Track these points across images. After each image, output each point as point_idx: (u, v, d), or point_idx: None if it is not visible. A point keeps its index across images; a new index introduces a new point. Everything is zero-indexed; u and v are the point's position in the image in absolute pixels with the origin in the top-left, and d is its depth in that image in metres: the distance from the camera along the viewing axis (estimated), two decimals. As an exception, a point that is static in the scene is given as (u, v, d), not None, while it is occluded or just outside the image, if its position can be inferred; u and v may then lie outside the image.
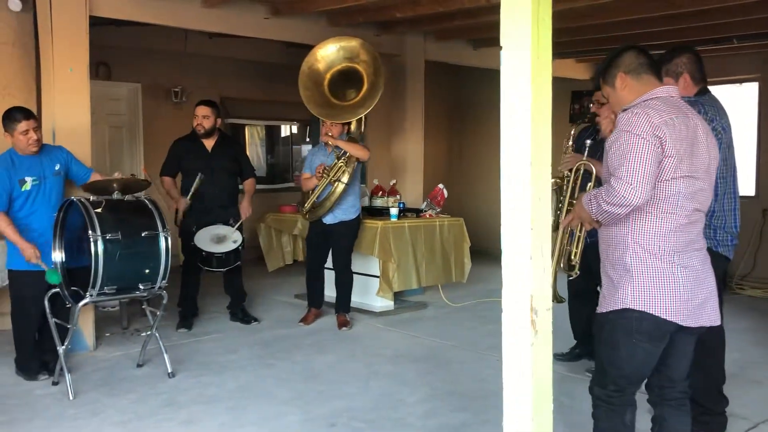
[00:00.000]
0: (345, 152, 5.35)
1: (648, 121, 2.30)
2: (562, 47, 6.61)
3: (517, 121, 1.92)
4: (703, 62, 3.31)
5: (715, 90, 3.41)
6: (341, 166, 5.35)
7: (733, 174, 3.27)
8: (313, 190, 5.49)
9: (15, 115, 4.15)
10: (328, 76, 5.66)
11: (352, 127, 5.59)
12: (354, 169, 5.40)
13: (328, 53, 5.66)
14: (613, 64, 2.52)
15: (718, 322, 2.48)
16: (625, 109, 2.43)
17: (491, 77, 5.54)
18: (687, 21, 6.16)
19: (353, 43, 5.66)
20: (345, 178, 5.35)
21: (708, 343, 3.27)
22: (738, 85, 8.10)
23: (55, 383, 4.16)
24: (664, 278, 2.33)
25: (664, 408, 2.56)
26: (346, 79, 5.66)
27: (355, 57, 5.65)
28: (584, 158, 3.42)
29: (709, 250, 3.17)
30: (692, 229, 2.39)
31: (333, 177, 5.35)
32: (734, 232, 3.25)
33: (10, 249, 4.24)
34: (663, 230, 2.34)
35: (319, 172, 5.38)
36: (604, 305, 2.46)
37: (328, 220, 5.49)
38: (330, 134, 5.40)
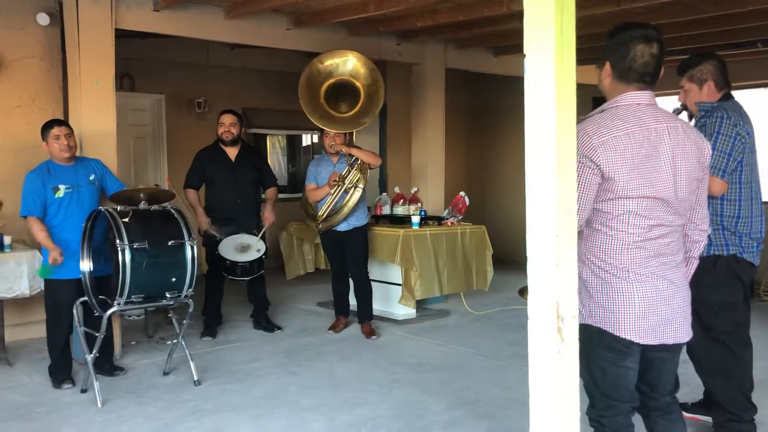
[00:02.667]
0: (356, 159, 5.40)
1: (586, 142, 2.16)
2: (582, 53, 6.58)
3: (542, 127, 1.92)
4: (727, 68, 3.30)
5: (738, 95, 3.39)
6: (356, 173, 5.40)
7: (757, 179, 3.26)
8: (324, 200, 5.52)
9: (49, 123, 4.37)
10: (323, 89, 5.73)
11: (347, 137, 5.64)
12: (365, 178, 5.46)
13: (325, 66, 5.75)
14: (609, 49, 2.30)
15: (684, 339, 2.34)
16: (584, 118, 2.28)
17: (513, 84, 5.55)
18: (709, 26, 6.12)
19: (349, 57, 5.74)
20: (362, 184, 5.40)
21: (732, 349, 3.26)
22: (763, 89, 8.02)
23: (83, 391, 4.22)
24: (620, 295, 2.24)
25: (651, 418, 2.47)
26: (341, 92, 5.75)
27: (351, 70, 5.74)
28: None
29: (734, 257, 3.18)
30: (652, 245, 2.24)
31: (349, 185, 5.39)
32: (759, 238, 3.23)
33: (45, 258, 4.34)
34: (616, 247, 2.23)
35: (334, 181, 5.41)
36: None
37: (343, 227, 5.52)
38: (338, 142, 5.47)
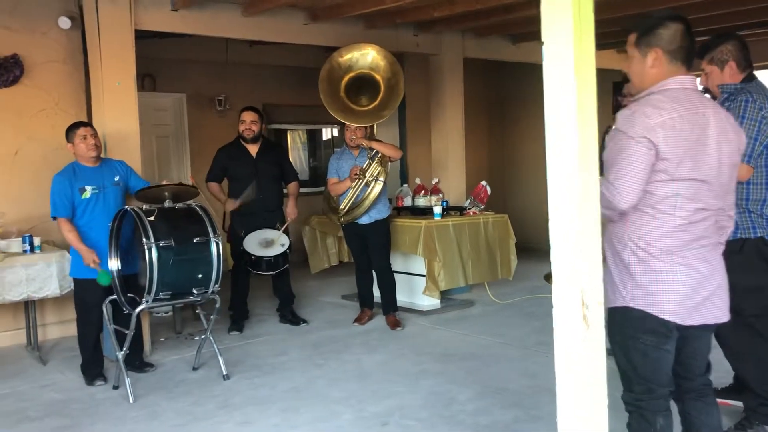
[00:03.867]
0: (377, 153, 5.41)
1: (642, 123, 2.18)
2: (601, 38, 6.51)
3: (562, 114, 1.91)
4: (748, 48, 3.25)
5: (762, 75, 3.34)
6: (377, 166, 5.41)
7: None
8: (345, 193, 5.55)
9: (75, 124, 4.45)
10: (344, 83, 5.75)
11: (368, 130, 5.64)
12: (386, 170, 5.47)
13: (345, 60, 5.75)
14: (654, 35, 2.30)
15: (724, 319, 2.35)
16: (635, 100, 2.32)
17: (531, 72, 5.52)
18: (729, 6, 6.02)
19: (369, 50, 5.73)
20: (383, 177, 5.41)
21: (761, 332, 3.22)
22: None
23: (115, 387, 4.30)
24: (663, 278, 2.25)
25: (686, 402, 2.48)
26: (362, 85, 5.76)
27: (371, 63, 5.73)
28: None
29: (762, 240, 3.15)
30: (694, 228, 2.26)
31: (370, 178, 5.41)
32: (788, 220, 3.18)
33: (74, 258, 4.43)
34: (660, 230, 2.25)
35: (355, 174, 5.43)
36: (609, 300, 2.39)
37: (364, 220, 5.54)
38: (359, 136, 5.50)
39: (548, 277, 2.69)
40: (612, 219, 2.31)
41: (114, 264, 4.30)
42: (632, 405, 2.40)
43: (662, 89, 2.27)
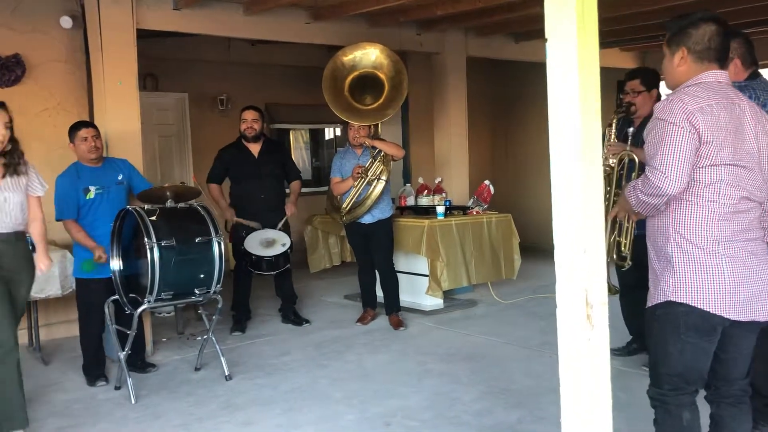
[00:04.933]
0: (380, 151, 5.40)
1: (682, 108, 2.21)
2: (605, 36, 6.50)
3: (566, 112, 1.90)
4: (753, 46, 3.23)
5: (767, 74, 3.32)
6: (379, 165, 5.40)
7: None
8: (348, 192, 5.53)
9: (77, 125, 4.43)
10: (349, 81, 5.72)
11: (372, 129, 5.62)
12: (388, 169, 5.45)
13: (349, 59, 5.73)
14: (684, 34, 2.34)
15: None
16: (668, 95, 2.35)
17: (535, 70, 5.50)
18: (734, 4, 5.99)
19: (372, 49, 5.72)
20: (385, 176, 5.40)
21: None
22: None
23: (117, 388, 4.29)
24: (709, 270, 2.22)
25: (720, 406, 2.43)
26: (366, 84, 5.73)
27: (375, 62, 5.71)
28: (627, 147, 3.39)
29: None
30: (741, 219, 2.25)
31: (372, 177, 5.39)
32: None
33: (76, 258, 4.42)
34: (705, 220, 2.23)
35: (357, 173, 5.42)
36: (650, 299, 2.38)
37: (367, 220, 5.52)
38: (362, 134, 5.49)
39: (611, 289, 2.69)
40: (657, 210, 2.30)
41: (116, 264, 4.29)
42: (657, 400, 2.38)
43: (697, 82, 2.30)
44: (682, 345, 2.27)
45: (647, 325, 2.40)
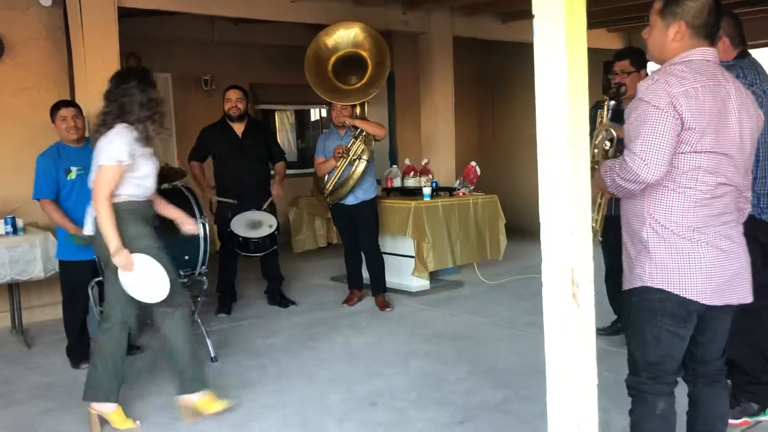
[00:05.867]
0: (362, 131, 5.38)
1: (666, 91, 2.11)
2: (592, 17, 6.48)
3: (553, 93, 1.88)
4: (742, 25, 3.23)
5: (757, 53, 3.32)
6: (360, 144, 5.37)
7: (775, 139, 3.19)
8: (331, 172, 5.51)
9: (57, 104, 4.35)
10: (332, 61, 5.68)
11: (357, 110, 5.58)
12: (371, 149, 5.43)
13: (331, 40, 5.68)
14: (681, 6, 2.22)
15: (748, 299, 2.30)
16: (653, 72, 2.26)
17: (522, 51, 5.47)
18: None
19: (355, 28, 5.67)
20: (366, 156, 5.38)
21: (751, 310, 3.22)
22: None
23: (101, 370, 4.26)
24: (685, 255, 2.17)
25: (697, 386, 2.42)
26: (350, 64, 5.69)
27: (357, 42, 5.66)
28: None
29: (752, 217, 3.12)
30: (717, 204, 2.20)
31: (353, 156, 5.37)
32: (778, 199, 3.17)
33: (60, 240, 4.37)
34: (682, 205, 2.18)
35: (339, 153, 5.39)
36: (626, 282, 2.33)
37: (350, 201, 5.51)
38: (345, 115, 5.46)
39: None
40: (632, 194, 2.23)
41: (99, 246, 4.24)
42: (634, 389, 2.34)
43: (683, 60, 2.21)
44: (659, 331, 2.23)
45: (624, 309, 2.37)
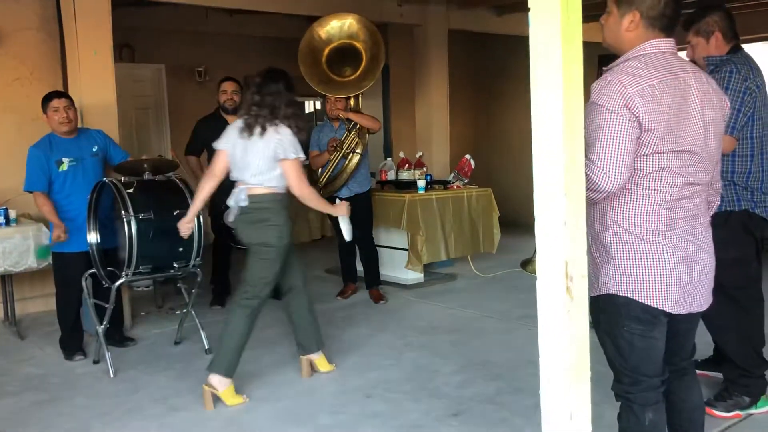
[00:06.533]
0: (355, 124, 5.36)
1: (620, 92, 1.99)
2: (587, 10, 6.47)
3: (548, 86, 1.88)
4: (734, 20, 3.23)
5: (749, 48, 3.32)
6: (354, 137, 5.36)
7: (768, 133, 3.20)
8: (325, 165, 5.50)
9: (49, 95, 4.32)
10: (326, 53, 5.65)
11: (351, 102, 5.57)
12: (365, 142, 5.42)
13: (325, 31, 5.65)
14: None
15: (706, 306, 2.23)
16: (606, 70, 2.13)
17: (517, 44, 5.46)
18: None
19: (349, 19, 5.64)
20: (359, 149, 5.37)
21: (744, 304, 3.24)
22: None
23: (95, 362, 4.26)
24: (649, 261, 2.09)
25: (669, 381, 2.33)
26: (344, 55, 5.66)
27: (352, 33, 5.64)
28: None
29: (746, 212, 3.14)
30: (683, 205, 2.10)
31: (347, 149, 5.36)
32: (772, 193, 3.18)
33: (53, 231, 4.35)
34: (645, 209, 2.07)
35: (332, 146, 5.38)
36: (592, 288, 2.20)
37: (344, 194, 5.50)
38: (339, 107, 5.44)
39: (525, 264, 2.63)
40: (593, 201, 2.10)
41: (93, 237, 4.23)
42: (621, 396, 2.28)
43: (637, 55, 2.10)
44: (630, 336, 2.17)
45: (593, 316, 2.25)
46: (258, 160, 3.56)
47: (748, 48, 3.29)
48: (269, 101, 3.60)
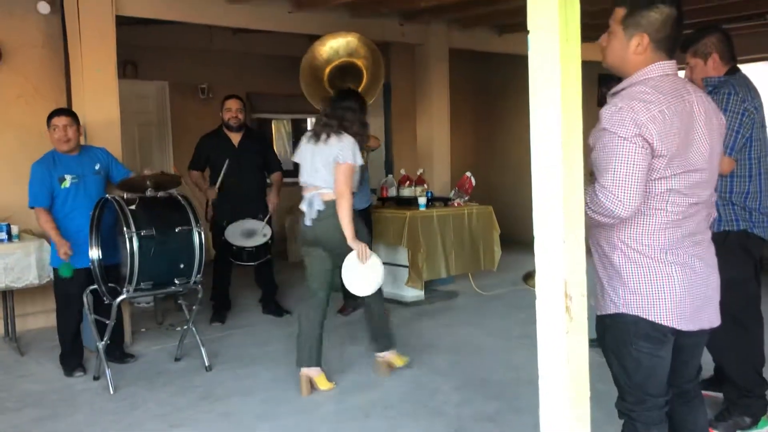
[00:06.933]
0: None
1: (633, 119, 1.99)
2: (588, 30, 6.52)
3: (547, 105, 1.90)
4: (732, 41, 3.26)
5: (747, 69, 3.35)
6: None
7: (766, 153, 3.22)
8: None
9: (52, 112, 4.34)
10: (327, 71, 5.69)
11: None
12: (366, 159, 5.43)
13: (327, 49, 5.69)
14: (644, 17, 2.10)
15: (717, 323, 2.23)
16: (613, 94, 2.14)
17: (517, 63, 5.49)
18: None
19: (350, 38, 5.69)
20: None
21: (744, 324, 3.24)
22: (771, 62, 7.92)
23: (95, 378, 4.25)
24: (658, 279, 2.09)
25: (674, 405, 2.34)
26: (345, 74, 5.70)
27: (352, 51, 5.68)
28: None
29: (744, 232, 3.15)
30: (688, 223, 2.12)
31: None
32: (770, 213, 3.19)
33: (54, 248, 4.36)
34: (653, 228, 2.09)
35: None
36: (599, 307, 2.24)
37: None
38: None
39: (527, 278, 2.65)
40: (605, 224, 2.12)
41: (95, 253, 4.25)
42: (625, 414, 2.27)
43: (643, 79, 2.10)
44: (638, 354, 2.17)
45: (598, 334, 2.28)
46: (325, 167, 3.87)
47: (746, 69, 3.32)
48: (339, 114, 3.96)
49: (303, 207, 3.97)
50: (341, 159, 3.82)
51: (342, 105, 4.00)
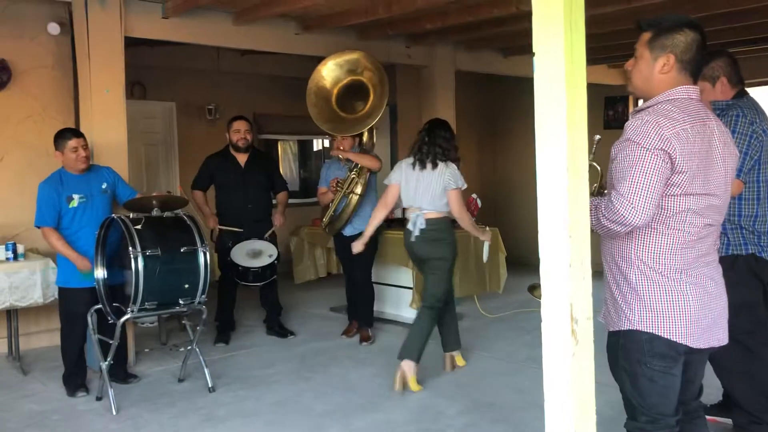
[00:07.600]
0: (357, 164, 5.40)
1: (658, 133, 2.05)
2: (594, 53, 6.55)
3: (553, 127, 1.90)
4: (739, 65, 3.26)
5: (755, 92, 3.35)
6: (354, 178, 5.40)
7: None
8: (330, 203, 5.53)
9: (66, 133, 4.36)
10: (336, 91, 5.71)
11: (364, 138, 5.61)
12: (367, 180, 5.43)
13: (333, 69, 5.72)
14: (670, 39, 2.16)
15: (725, 341, 2.27)
16: (638, 111, 2.20)
17: (523, 85, 5.51)
18: (721, 23, 6.06)
19: (356, 56, 5.72)
20: (358, 190, 5.40)
21: (752, 349, 3.20)
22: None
23: (98, 398, 4.23)
24: (674, 298, 2.13)
25: (681, 424, 2.32)
26: (353, 92, 5.72)
27: (358, 69, 5.70)
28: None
29: (753, 256, 3.13)
30: (701, 244, 2.18)
31: (347, 190, 5.39)
32: (779, 237, 3.17)
33: (60, 267, 4.37)
34: (669, 247, 2.14)
35: (333, 186, 5.43)
36: (611, 323, 2.27)
37: (348, 231, 5.51)
38: (341, 148, 5.47)
39: (533, 289, 2.63)
40: (617, 235, 2.17)
41: (100, 273, 4.24)
42: None
43: (669, 99, 2.16)
44: (652, 373, 2.18)
45: (610, 351, 2.29)
46: (432, 190, 4.33)
47: (754, 92, 3.32)
48: (439, 142, 4.39)
49: (409, 226, 4.42)
50: (452, 185, 4.32)
51: (440, 134, 4.42)
